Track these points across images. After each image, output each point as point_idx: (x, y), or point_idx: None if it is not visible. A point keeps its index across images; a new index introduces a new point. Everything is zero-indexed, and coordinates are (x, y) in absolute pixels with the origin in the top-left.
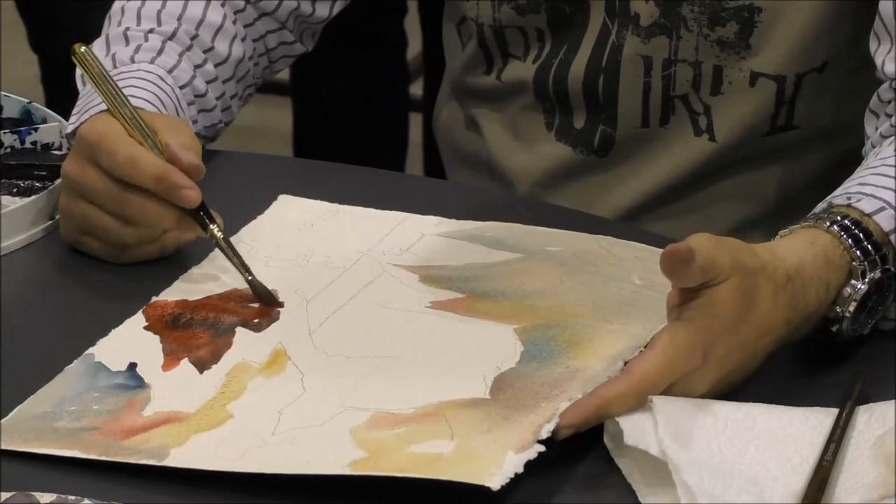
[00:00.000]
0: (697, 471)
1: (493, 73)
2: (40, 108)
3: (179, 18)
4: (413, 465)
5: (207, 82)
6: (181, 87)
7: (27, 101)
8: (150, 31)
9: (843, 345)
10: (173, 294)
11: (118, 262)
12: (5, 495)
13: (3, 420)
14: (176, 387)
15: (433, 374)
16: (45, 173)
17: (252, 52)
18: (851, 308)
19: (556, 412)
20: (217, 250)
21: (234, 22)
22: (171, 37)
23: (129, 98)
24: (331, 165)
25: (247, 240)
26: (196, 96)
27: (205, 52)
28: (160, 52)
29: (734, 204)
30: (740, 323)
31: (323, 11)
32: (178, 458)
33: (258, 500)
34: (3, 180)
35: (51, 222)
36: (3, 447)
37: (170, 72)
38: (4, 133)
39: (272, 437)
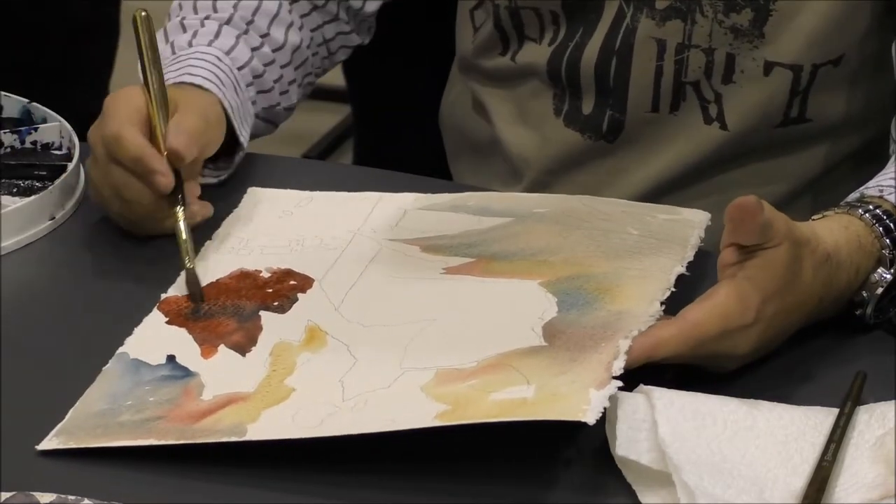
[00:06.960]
0: (697, 471)
1: (508, 54)
2: (40, 108)
3: (235, 6)
4: (501, 411)
5: (265, 65)
6: (239, 69)
7: (27, 101)
8: (207, 17)
9: (843, 344)
10: (181, 289)
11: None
12: (5, 495)
13: (63, 422)
14: (224, 371)
15: (479, 331)
16: (45, 173)
17: (310, 41)
18: (877, 293)
19: (620, 350)
20: (208, 246)
21: (290, 11)
22: (228, 21)
23: (186, 74)
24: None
25: (234, 232)
26: (254, 77)
27: (261, 36)
28: (217, 35)
29: (743, 194)
30: (788, 288)
31: (372, 6)
32: (258, 432)
33: (258, 499)
34: (3, 180)
35: (51, 222)
36: (69, 446)
37: (227, 53)
38: (4, 133)
39: (344, 403)
